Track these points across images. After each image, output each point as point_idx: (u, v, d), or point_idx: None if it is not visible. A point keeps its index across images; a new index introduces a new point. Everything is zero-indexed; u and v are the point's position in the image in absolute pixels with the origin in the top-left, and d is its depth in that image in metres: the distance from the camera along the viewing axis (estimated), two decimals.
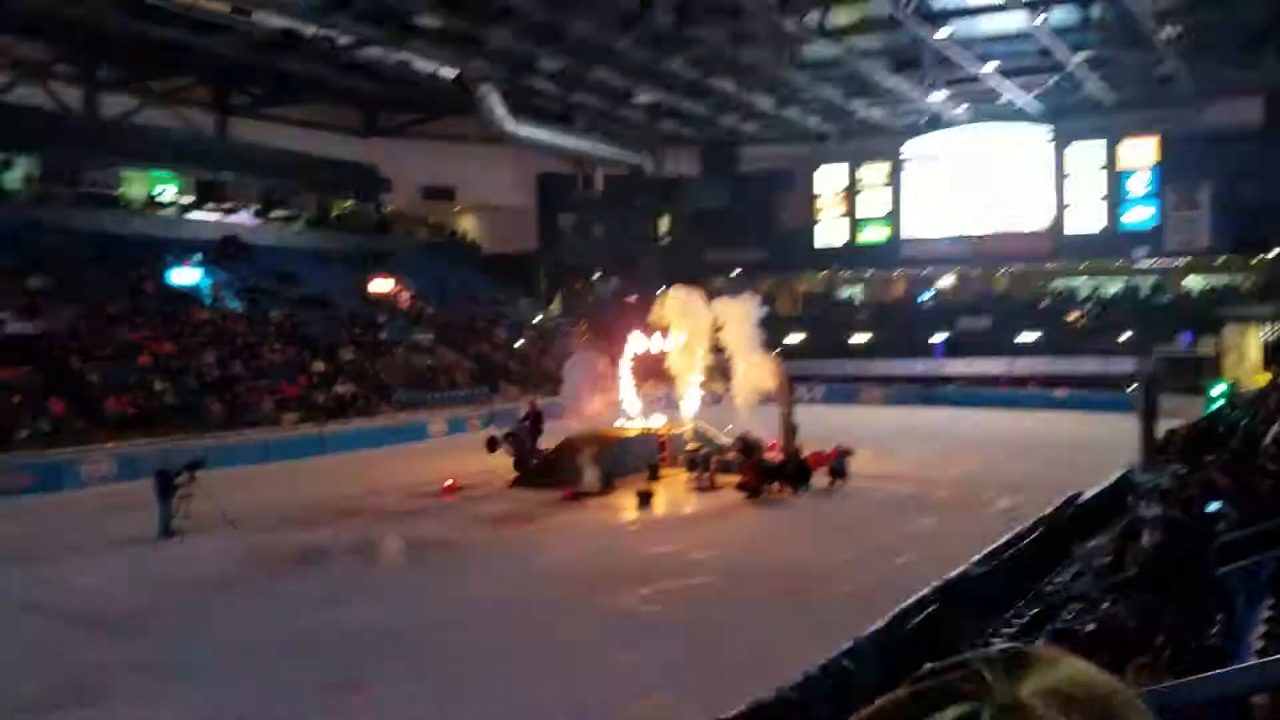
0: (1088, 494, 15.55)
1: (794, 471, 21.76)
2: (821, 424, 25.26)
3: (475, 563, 16.18)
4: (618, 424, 26.24)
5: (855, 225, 50.39)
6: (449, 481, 22.35)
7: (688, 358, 26.69)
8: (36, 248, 31.21)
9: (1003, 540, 12.10)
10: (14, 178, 34.64)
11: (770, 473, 21.71)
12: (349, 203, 46.66)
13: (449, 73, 35.68)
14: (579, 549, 17.11)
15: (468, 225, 52.94)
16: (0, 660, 11.29)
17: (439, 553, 16.85)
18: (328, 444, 28.35)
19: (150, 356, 28.66)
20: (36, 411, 24.09)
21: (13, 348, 26.20)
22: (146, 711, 10.04)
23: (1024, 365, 36.03)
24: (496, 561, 16.24)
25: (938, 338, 42.71)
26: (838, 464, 22.03)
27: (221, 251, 37.21)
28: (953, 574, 10.54)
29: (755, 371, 25.11)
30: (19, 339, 26.68)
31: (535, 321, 45.77)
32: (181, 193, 40.14)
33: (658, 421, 26.27)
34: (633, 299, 28.37)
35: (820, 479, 21.81)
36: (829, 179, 50.58)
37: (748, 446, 22.60)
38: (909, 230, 48.92)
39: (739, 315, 25.74)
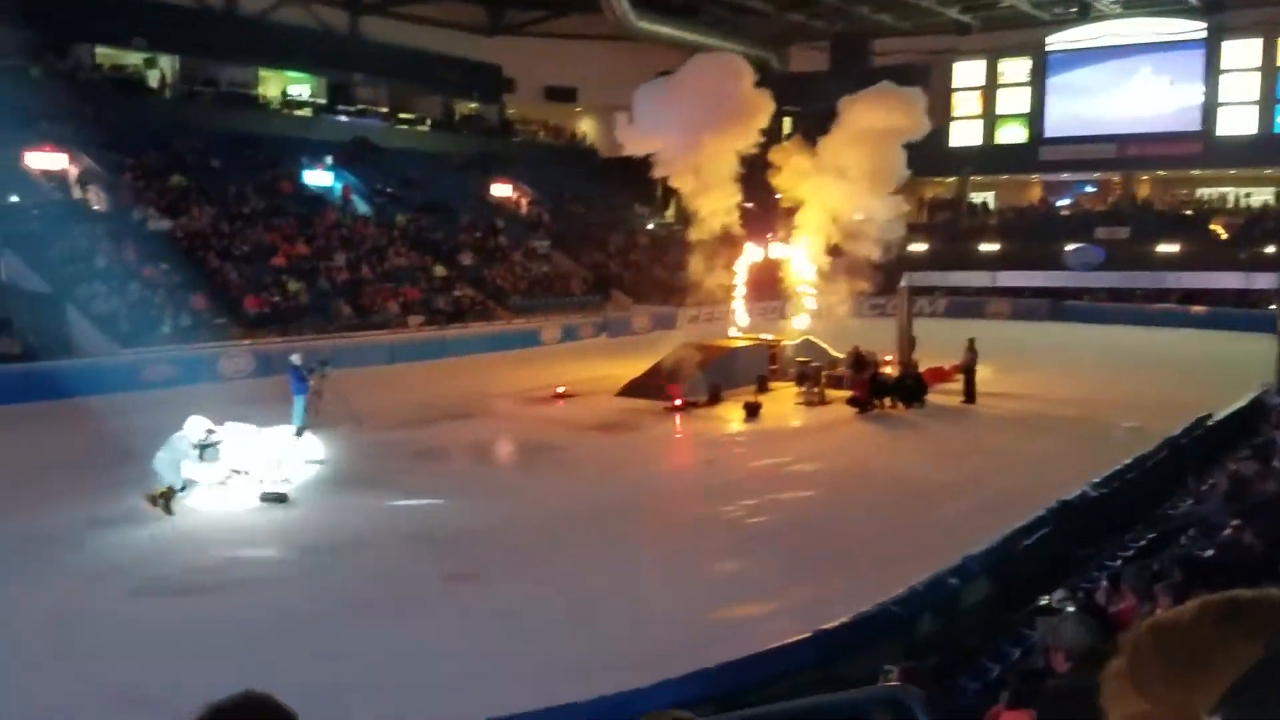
0: (1219, 415, 14.84)
1: (909, 387, 21.35)
2: (942, 339, 24.58)
3: (581, 468, 16.55)
4: (728, 334, 26.15)
5: (991, 125, 48.08)
6: (559, 388, 22.75)
7: (803, 267, 26.25)
8: (178, 146, 32.60)
9: (1125, 462, 11.69)
10: (156, 76, 36.06)
11: (884, 388, 21.36)
12: (473, 105, 46.96)
13: None
14: (684, 459, 17.31)
15: (587, 128, 52.68)
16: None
17: (547, 456, 17.29)
18: (447, 347, 29.16)
19: (285, 257, 29.80)
20: (178, 308, 25.42)
21: (155, 245, 27.60)
22: (278, 587, 10.74)
23: (1162, 278, 34.16)
24: (601, 467, 16.57)
25: (1072, 247, 40.75)
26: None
27: (352, 154, 38.13)
28: (1070, 495, 10.26)
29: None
30: (162, 237, 28.07)
31: (649, 228, 45.60)
32: (314, 94, 41.13)
33: (768, 334, 26.04)
34: (751, 206, 27.78)
35: (944, 396, 21.32)
36: (966, 74, 48.17)
37: (860, 360, 22.27)
38: (1049, 131, 46.42)
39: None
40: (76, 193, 28.78)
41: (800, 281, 26.62)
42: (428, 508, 13.75)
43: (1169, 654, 0.89)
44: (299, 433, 17.96)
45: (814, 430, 19.74)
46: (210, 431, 12.86)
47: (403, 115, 43.23)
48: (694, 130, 23.89)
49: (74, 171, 29.21)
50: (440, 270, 33.53)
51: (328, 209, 34.22)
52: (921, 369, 21.98)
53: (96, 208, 28.31)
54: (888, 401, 21.13)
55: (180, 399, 21.57)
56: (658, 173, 26.31)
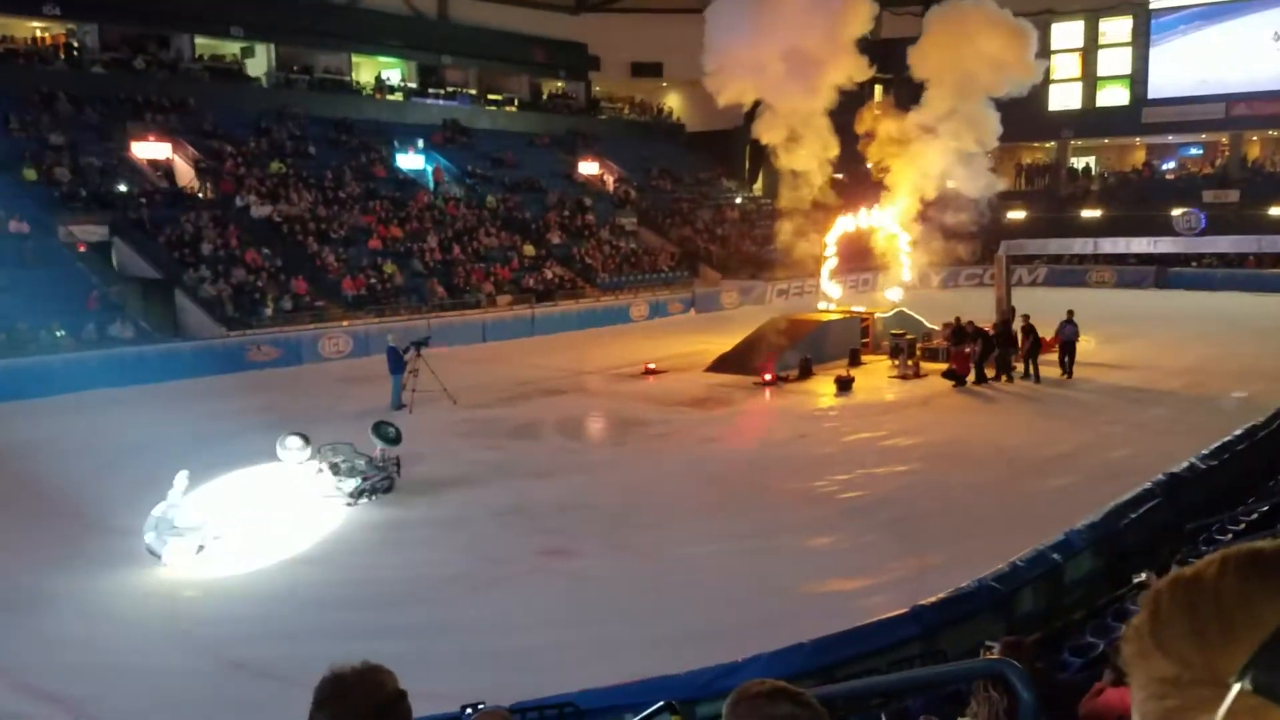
0: None
1: (1005, 360, 20.80)
2: (1043, 308, 23.90)
3: (671, 443, 16.59)
4: (818, 308, 25.85)
5: (1092, 87, 46.29)
6: (649, 364, 22.83)
7: (896, 238, 25.77)
8: (276, 133, 33.62)
9: (1235, 434, 11.22)
10: (257, 65, 37.20)
11: (978, 360, 20.85)
12: (559, 83, 47.22)
13: None
14: (775, 433, 17.20)
15: (673, 103, 52.45)
16: None
17: (637, 431, 17.38)
18: (537, 325, 29.53)
19: (380, 240, 30.51)
20: (280, 290, 26.27)
21: (258, 230, 28.56)
22: (376, 560, 11.08)
23: (1274, 243, 32.50)
24: (692, 443, 16.58)
25: (1179, 212, 39.05)
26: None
27: (442, 136, 38.76)
28: (1178, 467, 9.91)
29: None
30: (263, 222, 29.01)
31: (737, 202, 45.27)
32: (405, 78, 41.92)
33: (860, 306, 25.66)
34: (841, 176, 27.35)
35: (1043, 369, 20.72)
36: (1064, 36, 46.41)
37: (958, 332, 21.77)
38: (1153, 92, 44.48)
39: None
40: (181, 180, 29.90)
41: (893, 252, 26.14)
42: (521, 483, 13.97)
43: (1192, 611, 0.83)
44: (397, 409, 18.44)
45: (908, 404, 19.42)
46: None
47: (491, 96, 43.77)
48: (786, 32, 23.17)
49: (178, 160, 30.33)
50: (530, 249, 33.91)
51: (420, 191, 34.87)
52: (1021, 340, 21.36)
53: (201, 195, 29.36)
54: (987, 372, 20.57)
55: (283, 380, 22.43)
56: (726, 97, 25.33)
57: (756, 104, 25.65)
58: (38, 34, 33.33)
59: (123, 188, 27.75)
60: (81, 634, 9.17)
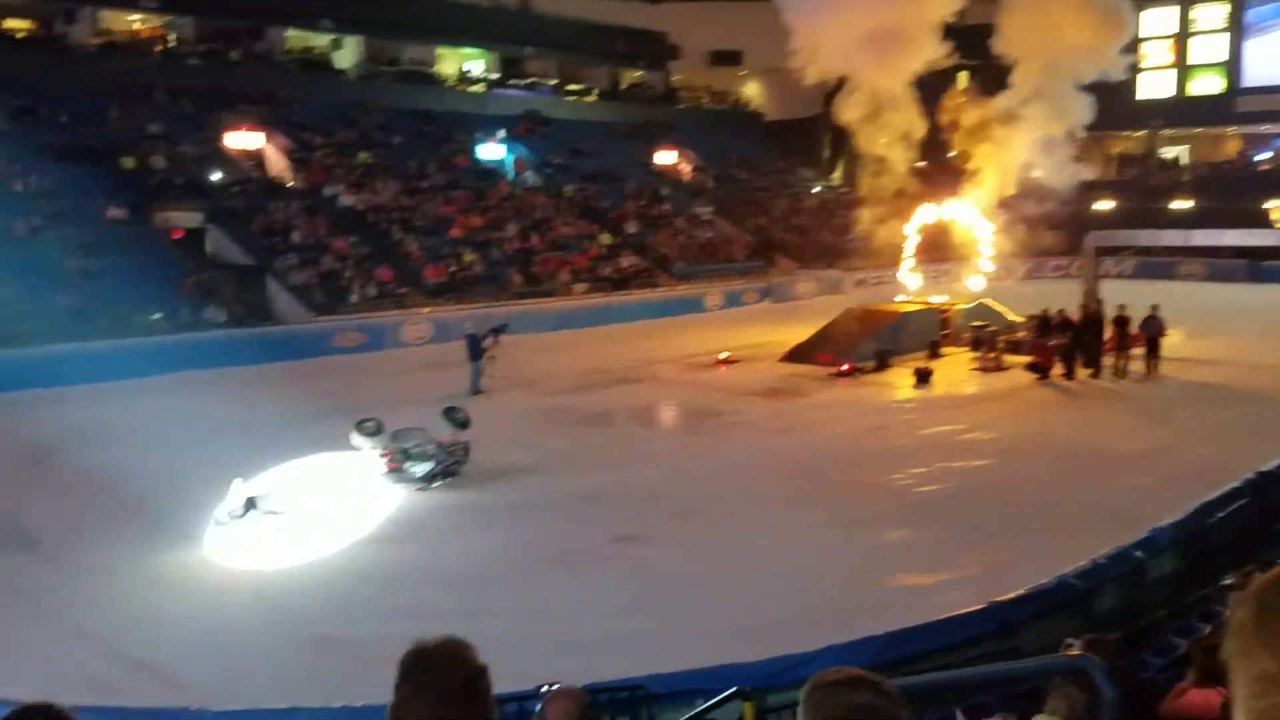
0: None
1: (1093, 353, 20.28)
2: (1130, 301, 23.20)
3: (745, 433, 16.59)
4: (897, 299, 25.50)
5: (1183, 75, 44.66)
6: (723, 354, 22.80)
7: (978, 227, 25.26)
8: (363, 124, 34.38)
9: None
10: (345, 57, 38.08)
11: (1066, 353, 20.36)
12: (638, 73, 47.29)
13: None
14: (850, 425, 17.05)
15: (752, 92, 52.10)
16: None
17: (711, 421, 17.40)
18: (612, 314, 29.70)
19: (461, 229, 31.02)
20: (365, 278, 26.91)
21: (345, 219, 29.27)
22: (449, 543, 11.35)
23: None
24: (766, 433, 16.56)
25: (1273, 204, 37.55)
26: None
27: (523, 126, 39.18)
28: (1268, 466, 9.61)
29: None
30: (350, 211, 29.71)
31: (815, 191, 44.83)
32: (487, 69, 42.47)
33: (941, 297, 25.23)
34: (923, 164, 26.87)
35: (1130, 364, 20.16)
36: (1155, 23, 44.85)
37: (1044, 325, 21.25)
38: (1247, 81, 42.72)
39: None
40: (272, 170, 30.76)
41: (975, 242, 25.63)
42: (594, 470, 14.12)
43: None
44: (474, 394, 18.76)
45: (989, 398, 19.08)
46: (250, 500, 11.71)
47: (570, 86, 44.05)
48: (872, 6, 22.81)
49: (269, 149, 31.20)
50: (606, 238, 34.09)
51: (500, 181, 35.31)
52: (1107, 334, 20.80)
53: (291, 184, 30.17)
54: (1074, 366, 20.07)
55: (366, 365, 22.96)
56: (810, 74, 25.00)
57: (836, 91, 25.31)
58: (136, 27, 34.59)
59: (217, 176, 28.66)
60: (172, 606, 9.57)
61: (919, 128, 24.83)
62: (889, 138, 24.41)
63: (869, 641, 6.31)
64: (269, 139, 31.04)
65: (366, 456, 13.32)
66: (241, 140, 30.49)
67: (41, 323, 20.96)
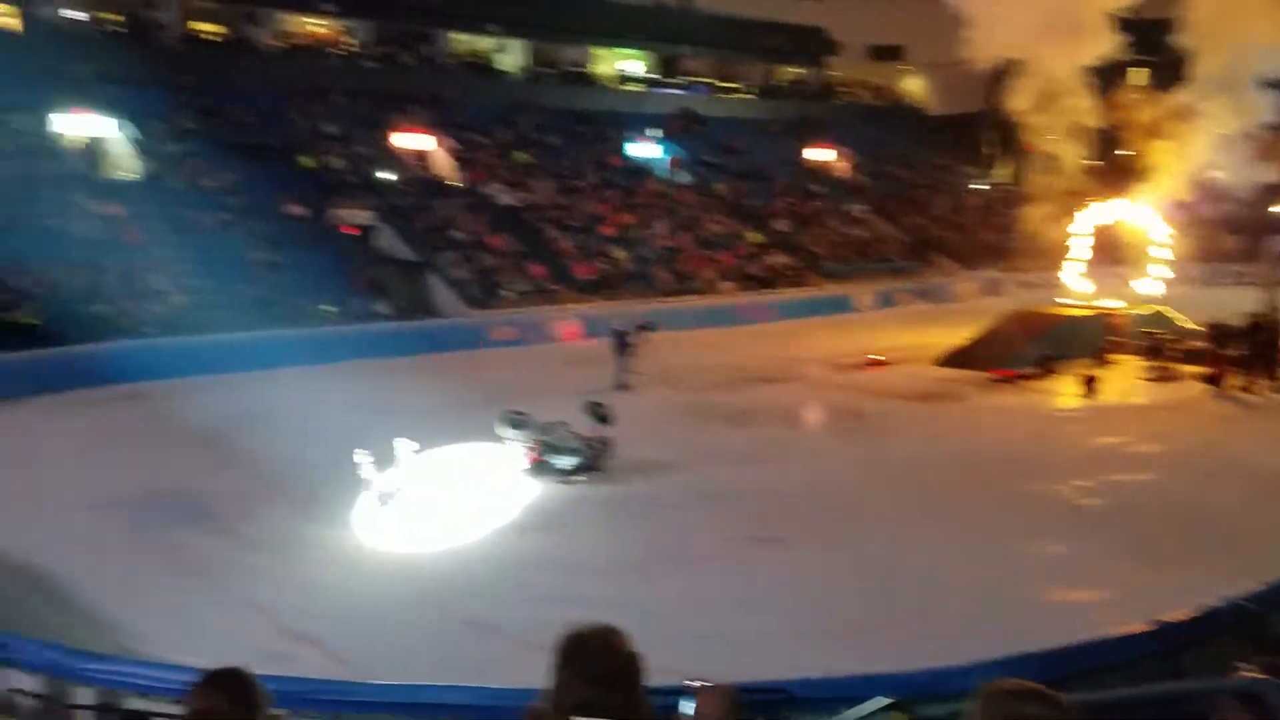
0: None
1: (1270, 365, 18.89)
2: None
3: (894, 437, 16.19)
4: (1063, 302, 24.38)
5: None
6: (874, 355, 22.33)
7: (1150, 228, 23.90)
8: (522, 125, 35.36)
9: None
10: (508, 59, 39.26)
11: (1245, 364, 19.03)
12: (794, 69, 46.86)
13: None
14: (1009, 433, 16.42)
15: (913, 87, 50.80)
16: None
17: (859, 423, 17.08)
18: (759, 312, 29.54)
19: (612, 227, 31.49)
20: (518, 274, 27.69)
21: (502, 217, 30.19)
22: (591, 535, 11.55)
23: None
24: (917, 438, 16.12)
25: None
26: None
27: (677, 125, 39.44)
28: None
29: None
30: (507, 210, 30.62)
31: (977, 188, 43.32)
32: (645, 69, 42.99)
33: (1111, 302, 23.98)
34: (1093, 162, 25.60)
35: None
36: None
37: (1221, 334, 19.92)
38: None
39: None
40: (437, 170, 32.00)
41: (1149, 244, 24.25)
42: (735, 468, 14.07)
43: None
44: (619, 389, 19.00)
45: (1160, 408, 18.04)
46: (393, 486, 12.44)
47: (725, 84, 44.02)
48: None
49: (435, 150, 32.47)
50: (755, 236, 33.93)
51: (650, 179, 35.63)
52: None
53: (453, 183, 31.31)
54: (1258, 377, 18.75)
55: (517, 358, 23.61)
56: (980, 54, 24.14)
57: (1002, 84, 24.30)
58: (316, 30, 36.65)
59: (387, 176, 30.01)
60: (334, 583, 10.08)
61: (1091, 123, 23.67)
62: (1058, 134, 23.35)
63: (1024, 658, 6.06)
64: (435, 140, 32.30)
65: (513, 448, 13.70)
66: (409, 141, 31.83)
67: (227, 312, 22.51)
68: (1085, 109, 23.51)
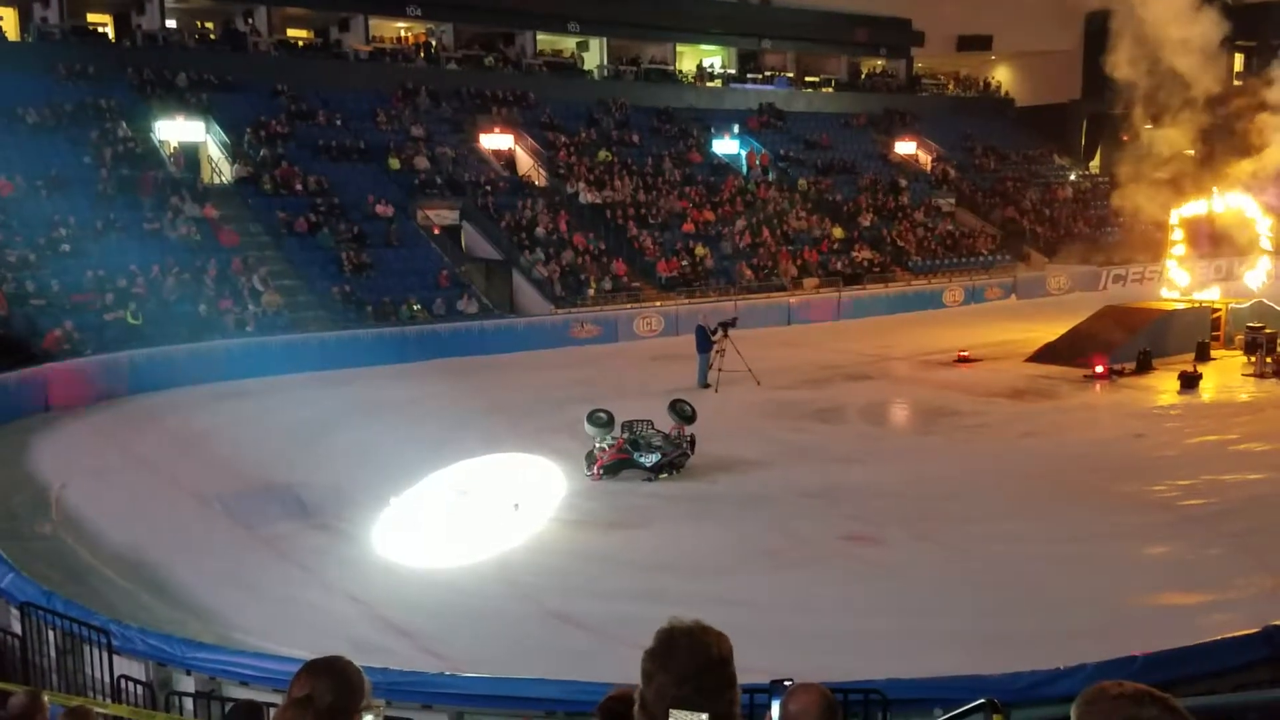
0: None
1: None
2: None
3: (985, 435, 15.82)
4: (1161, 296, 23.54)
5: None
6: (962, 351, 21.87)
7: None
8: (604, 123, 35.55)
9: None
10: (591, 58, 39.53)
11: None
12: (879, 62, 46.15)
13: None
14: (1106, 431, 15.92)
15: (1002, 77, 49.60)
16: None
17: (949, 421, 16.72)
18: (844, 309, 29.18)
19: (693, 224, 31.44)
20: (601, 272, 27.83)
21: (585, 215, 30.39)
22: (679, 531, 11.56)
23: None
24: (1008, 436, 15.73)
25: None
26: None
27: (758, 120, 39.19)
28: None
29: None
30: (590, 207, 30.81)
31: (1070, 180, 42.08)
32: (725, 64, 42.80)
33: (1212, 295, 23.06)
34: (1194, 152, 24.64)
35: None
36: None
37: None
38: None
39: None
40: (520, 169, 32.37)
41: (1254, 237, 23.26)
42: (824, 466, 13.93)
43: None
44: (702, 387, 18.95)
45: (1265, 406, 17.27)
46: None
47: (808, 79, 43.57)
48: None
49: (519, 150, 32.85)
50: (838, 232, 33.51)
51: (732, 176, 35.47)
52: None
53: (537, 182, 31.63)
54: None
55: (600, 356, 23.76)
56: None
57: (1100, 79, 23.47)
58: (401, 34, 37.40)
59: (471, 177, 30.50)
60: (425, 576, 10.28)
61: (1193, 109, 22.79)
62: (1156, 123, 22.56)
63: (1126, 661, 5.88)
64: (518, 140, 32.67)
65: (598, 446, 13.78)
66: (494, 141, 32.27)
67: (318, 311, 23.16)
68: (1186, 95, 22.63)
